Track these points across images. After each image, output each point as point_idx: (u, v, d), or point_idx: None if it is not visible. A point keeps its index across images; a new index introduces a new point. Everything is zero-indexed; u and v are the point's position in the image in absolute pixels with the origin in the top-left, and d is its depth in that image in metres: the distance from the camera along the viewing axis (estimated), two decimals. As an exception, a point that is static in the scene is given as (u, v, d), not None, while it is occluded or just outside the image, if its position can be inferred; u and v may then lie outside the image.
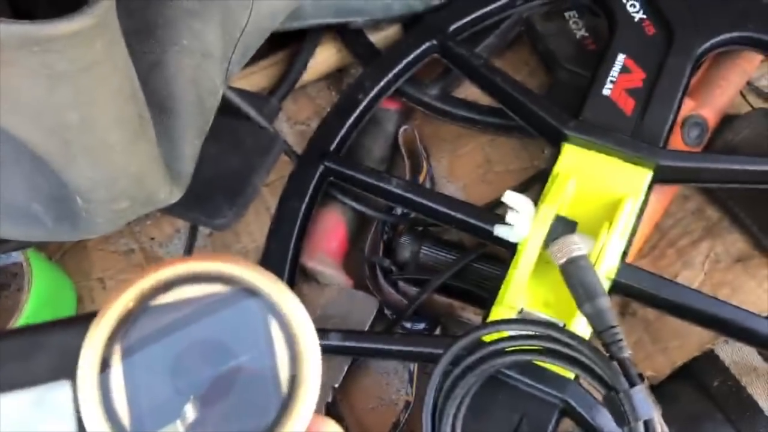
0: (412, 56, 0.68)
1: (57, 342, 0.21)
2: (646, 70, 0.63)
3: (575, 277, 0.49)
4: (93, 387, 0.20)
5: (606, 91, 0.63)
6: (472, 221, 0.60)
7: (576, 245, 0.50)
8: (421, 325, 0.63)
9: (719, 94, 0.68)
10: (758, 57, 0.70)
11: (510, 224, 0.56)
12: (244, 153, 0.65)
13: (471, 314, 0.63)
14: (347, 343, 0.57)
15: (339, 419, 0.62)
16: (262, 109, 0.67)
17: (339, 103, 0.67)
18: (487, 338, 0.52)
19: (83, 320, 0.21)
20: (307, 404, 0.21)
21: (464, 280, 0.62)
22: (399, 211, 0.67)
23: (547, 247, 0.53)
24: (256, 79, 0.73)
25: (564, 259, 0.49)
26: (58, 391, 0.21)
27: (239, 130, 0.65)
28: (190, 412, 0.20)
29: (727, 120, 0.69)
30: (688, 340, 0.62)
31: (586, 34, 0.73)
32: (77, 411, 0.21)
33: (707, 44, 0.64)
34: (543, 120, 0.62)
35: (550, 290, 0.57)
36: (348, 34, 0.73)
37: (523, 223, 0.55)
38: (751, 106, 0.71)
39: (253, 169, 0.65)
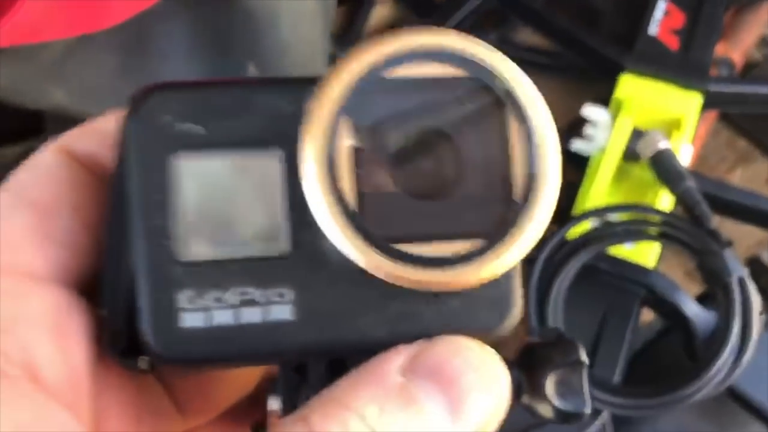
0: (474, 4, 0.74)
1: (269, 104, 0.18)
2: (686, 13, 0.72)
3: (665, 164, 0.55)
4: (317, 163, 0.17)
5: (653, 32, 0.71)
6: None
7: (662, 139, 0.56)
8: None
9: (744, 39, 0.77)
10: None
11: (587, 138, 0.62)
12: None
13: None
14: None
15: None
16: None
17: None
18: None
19: (301, 83, 0.18)
20: (544, 212, 0.18)
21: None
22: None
23: (632, 148, 0.60)
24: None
25: (654, 151, 0.56)
26: (267, 160, 0.18)
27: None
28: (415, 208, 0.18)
29: (746, 66, 0.78)
30: (736, 248, 0.69)
31: (621, -8, 0.81)
32: (288, 185, 0.18)
33: (737, -9, 0.73)
34: (602, 55, 0.69)
35: (623, 197, 0.63)
36: (406, -10, 0.79)
37: (601, 134, 0.62)
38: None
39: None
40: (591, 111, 0.62)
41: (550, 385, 0.19)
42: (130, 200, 0.18)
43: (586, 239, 0.57)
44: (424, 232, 0.18)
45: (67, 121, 0.60)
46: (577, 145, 0.64)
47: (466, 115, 0.18)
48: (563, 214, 0.64)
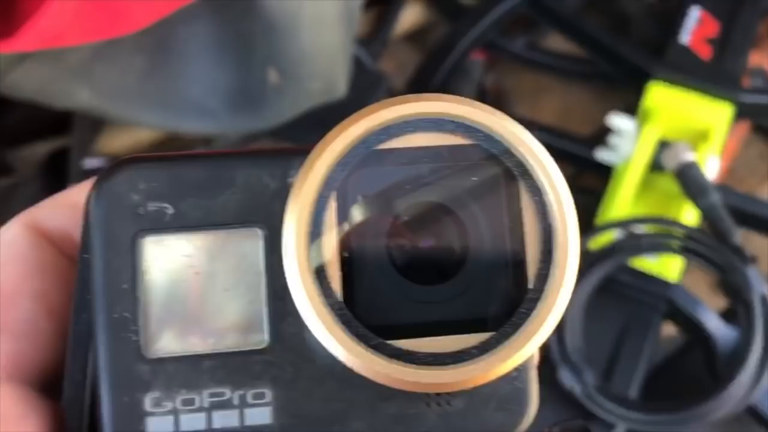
0: (504, 8, 0.74)
1: (250, 179, 0.17)
2: (721, 21, 0.70)
3: (690, 177, 0.54)
4: (301, 246, 0.15)
5: (684, 40, 0.70)
6: (571, 149, 0.65)
7: (689, 151, 0.56)
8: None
9: (780, 50, 0.75)
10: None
11: (612, 147, 0.62)
12: (354, 90, 0.70)
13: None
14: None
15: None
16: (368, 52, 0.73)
17: (437, 48, 0.73)
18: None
19: (286, 156, 0.17)
20: (562, 299, 0.16)
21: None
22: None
23: (658, 159, 0.59)
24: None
25: (679, 164, 0.55)
26: (246, 240, 0.16)
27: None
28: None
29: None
30: (763, 264, 0.68)
31: (654, -2, 0.80)
32: (269, 267, 0.16)
33: (774, -1, 0.71)
34: (631, 62, 0.68)
35: (647, 208, 0.62)
36: (435, -6, 0.79)
37: (626, 144, 0.61)
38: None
39: (363, 105, 0.70)
40: (617, 120, 0.61)
41: None
42: (93, 288, 0.16)
43: (608, 250, 0.56)
44: (423, 323, 0.16)
45: (94, 120, 0.61)
46: (602, 155, 0.63)
47: (471, 189, 0.16)
48: (586, 224, 0.63)
